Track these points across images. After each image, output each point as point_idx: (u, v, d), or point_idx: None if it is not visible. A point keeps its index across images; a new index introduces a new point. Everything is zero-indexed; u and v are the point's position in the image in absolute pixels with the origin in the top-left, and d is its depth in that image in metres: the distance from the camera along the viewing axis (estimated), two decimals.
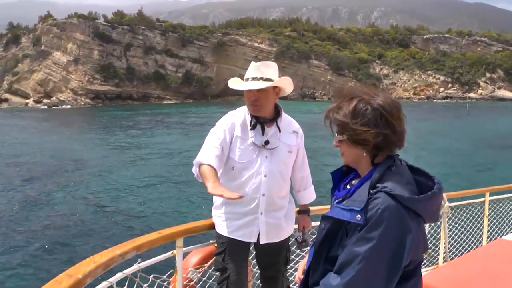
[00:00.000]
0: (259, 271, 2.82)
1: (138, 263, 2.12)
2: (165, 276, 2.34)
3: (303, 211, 2.83)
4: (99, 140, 26.30)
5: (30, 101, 59.31)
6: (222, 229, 2.58)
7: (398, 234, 1.30)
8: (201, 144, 2.50)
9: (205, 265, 2.80)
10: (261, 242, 2.56)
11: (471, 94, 68.98)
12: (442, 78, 70.41)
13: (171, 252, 2.43)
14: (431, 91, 69.44)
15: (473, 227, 4.90)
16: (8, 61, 63.89)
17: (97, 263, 1.75)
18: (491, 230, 5.07)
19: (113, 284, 1.95)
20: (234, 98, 55.40)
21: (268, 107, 2.54)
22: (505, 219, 5.26)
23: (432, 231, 4.37)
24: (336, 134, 1.49)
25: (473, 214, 4.89)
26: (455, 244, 4.77)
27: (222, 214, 2.60)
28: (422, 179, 1.45)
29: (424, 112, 45.33)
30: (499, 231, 5.20)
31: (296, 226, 2.83)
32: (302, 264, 1.71)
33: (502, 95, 68.92)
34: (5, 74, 62.19)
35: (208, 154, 2.39)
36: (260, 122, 2.54)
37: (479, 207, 4.90)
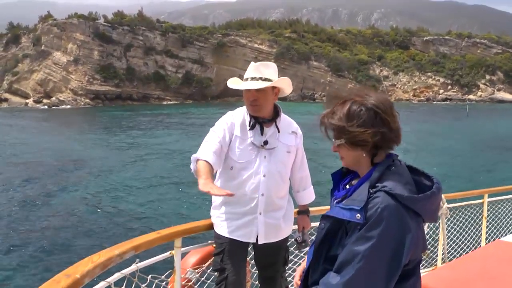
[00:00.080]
0: (257, 271, 2.82)
1: (136, 263, 2.12)
2: (163, 276, 2.34)
3: (302, 212, 2.83)
4: (98, 141, 26.29)
5: (30, 101, 59.26)
6: (221, 229, 2.58)
7: (398, 233, 1.31)
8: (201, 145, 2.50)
9: (203, 265, 2.80)
10: (260, 242, 2.55)
11: (471, 96, 69.02)
12: (441, 80, 70.43)
13: (169, 252, 2.43)
14: (430, 93, 69.45)
15: (472, 228, 4.91)
16: (8, 61, 63.85)
17: (95, 263, 1.75)
18: (489, 232, 5.08)
19: (111, 284, 1.94)
20: (234, 99, 55.40)
21: (267, 107, 2.54)
22: (503, 220, 5.27)
23: (430, 232, 4.37)
24: (333, 139, 1.50)
25: (472, 215, 4.90)
26: (453, 245, 4.78)
27: (221, 214, 2.60)
28: (421, 179, 1.45)
29: (423, 114, 45.37)
30: (497, 233, 5.21)
31: (295, 227, 2.82)
32: (300, 270, 1.71)
33: (502, 97, 68.95)
34: (5, 74, 62.13)
35: (205, 150, 2.39)
36: (259, 122, 2.54)
37: (477, 209, 4.91)
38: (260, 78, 2.48)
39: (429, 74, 70.78)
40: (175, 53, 65.23)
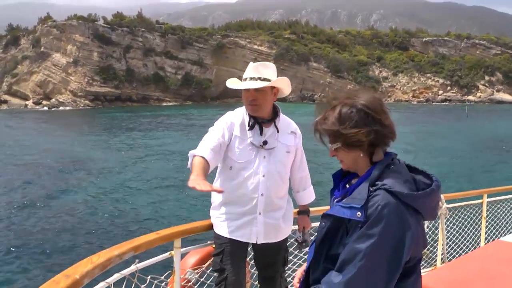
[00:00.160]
0: (257, 271, 2.81)
1: (136, 264, 2.11)
2: (162, 277, 2.33)
3: (302, 212, 2.83)
4: (98, 142, 26.28)
5: (29, 103, 59.26)
6: (221, 229, 2.58)
7: (398, 231, 1.32)
8: None
9: (203, 265, 2.80)
10: (259, 242, 2.55)
11: (470, 97, 69.11)
12: (441, 80, 70.51)
13: (169, 253, 2.43)
14: (430, 93, 69.50)
15: (471, 228, 4.91)
16: (8, 63, 63.85)
17: (95, 264, 1.75)
18: (488, 232, 5.08)
19: (111, 284, 1.94)
20: (233, 100, 55.43)
21: (266, 107, 2.55)
22: (502, 220, 5.27)
23: (430, 233, 4.37)
24: (329, 144, 1.51)
25: (471, 215, 4.90)
26: (453, 245, 4.78)
27: (221, 214, 2.60)
28: (420, 177, 1.47)
29: (423, 115, 45.35)
30: (496, 233, 5.21)
31: (295, 227, 2.82)
32: (299, 273, 1.71)
33: (501, 98, 69.04)
34: (5, 75, 62.13)
35: (203, 146, 2.38)
36: (258, 122, 2.55)
37: (477, 209, 4.91)
38: (259, 78, 2.48)
39: (428, 75, 70.86)
40: (175, 54, 65.27)
